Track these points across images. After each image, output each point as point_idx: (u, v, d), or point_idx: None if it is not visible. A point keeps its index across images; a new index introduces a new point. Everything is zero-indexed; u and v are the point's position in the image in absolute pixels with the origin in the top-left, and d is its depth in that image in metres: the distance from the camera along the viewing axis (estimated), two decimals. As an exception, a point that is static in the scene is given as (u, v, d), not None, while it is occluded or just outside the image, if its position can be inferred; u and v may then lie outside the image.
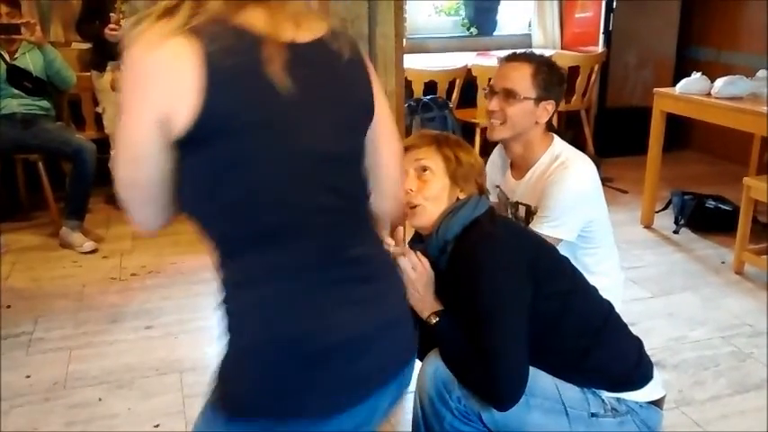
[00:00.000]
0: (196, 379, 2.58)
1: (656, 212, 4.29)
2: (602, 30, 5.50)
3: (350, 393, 1.13)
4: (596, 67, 5.34)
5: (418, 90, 4.86)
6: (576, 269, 1.79)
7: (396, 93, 4.14)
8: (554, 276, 1.70)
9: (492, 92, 2.14)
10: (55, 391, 2.57)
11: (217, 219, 1.09)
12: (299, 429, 1.11)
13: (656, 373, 1.77)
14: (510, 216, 2.22)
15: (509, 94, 2.09)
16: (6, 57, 4.01)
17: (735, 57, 5.28)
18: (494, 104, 2.12)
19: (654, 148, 4.15)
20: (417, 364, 1.74)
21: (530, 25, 6.00)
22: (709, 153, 5.62)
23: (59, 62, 4.13)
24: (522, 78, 2.09)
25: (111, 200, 4.23)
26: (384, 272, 1.23)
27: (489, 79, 2.28)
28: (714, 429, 2.37)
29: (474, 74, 4.96)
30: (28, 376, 2.66)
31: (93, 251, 3.81)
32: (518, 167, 2.22)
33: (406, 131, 4.35)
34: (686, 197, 4.22)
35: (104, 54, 4.13)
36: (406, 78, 4.48)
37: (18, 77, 4.02)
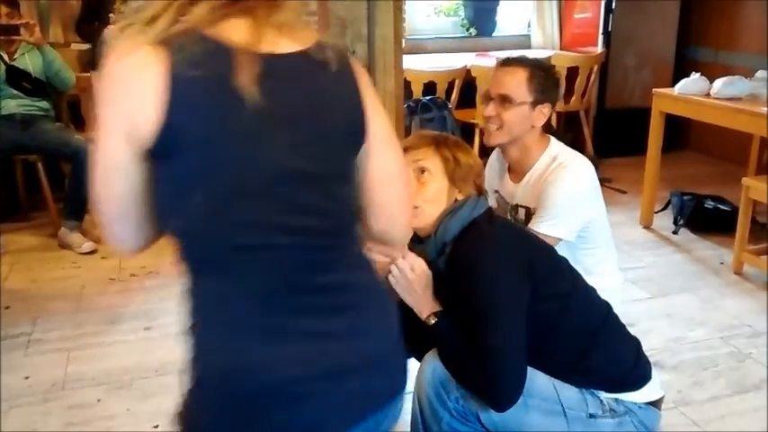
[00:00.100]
0: (195, 380, 2.58)
1: (656, 213, 4.29)
2: (601, 30, 5.50)
3: None
4: (595, 68, 5.34)
5: (417, 91, 4.86)
6: (575, 270, 1.79)
7: (395, 93, 4.15)
8: (552, 277, 1.70)
9: (488, 97, 2.14)
10: (54, 391, 2.57)
11: (180, 236, 1.06)
12: None
13: (654, 373, 1.77)
14: (510, 219, 2.22)
15: (505, 100, 2.09)
16: (5, 57, 4.00)
17: (733, 57, 5.29)
18: (490, 110, 2.13)
19: (653, 149, 4.15)
20: (416, 363, 1.76)
21: (529, 26, 6.01)
22: (708, 153, 5.62)
23: (59, 63, 4.13)
24: (517, 83, 2.09)
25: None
26: (364, 303, 1.14)
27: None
28: (713, 430, 2.37)
29: (473, 74, 4.96)
30: (27, 377, 2.66)
31: (93, 252, 3.81)
32: (516, 171, 2.22)
33: (406, 132, 4.35)
34: (685, 197, 4.22)
35: (104, 55, 4.13)
36: (405, 79, 4.50)
37: (17, 78, 4.02)
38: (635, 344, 1.79)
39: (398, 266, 1.69)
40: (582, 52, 5.55)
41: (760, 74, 3.83)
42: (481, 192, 1.78)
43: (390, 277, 1.71)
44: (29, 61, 4.05)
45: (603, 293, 1.80)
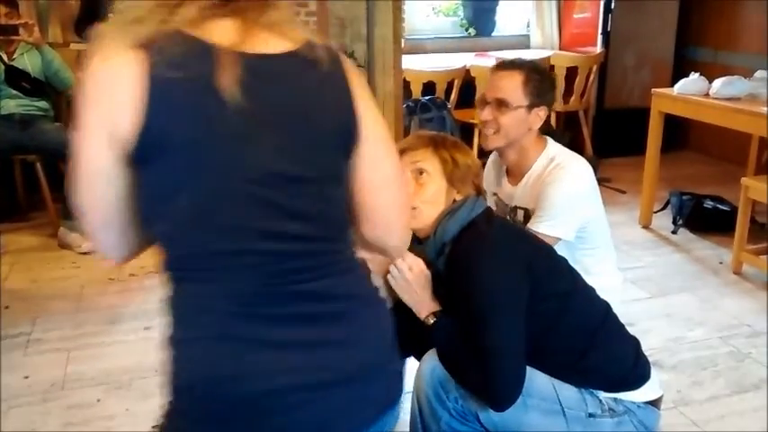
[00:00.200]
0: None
1: (655, 213, 4.29)
2: (600, 30, 5.50)
3: None
4: (594, 68, 5.34)
5: (417, 90, 4.86)
6: (574, 270, 1.79)
7: (394, 93, 4.15)
8: (551, 277, 1.70)
9: (484, 102, 2.15)
10: (53, 391, 2.57)
11: (163, 242, 1.03)
12: None
13: (653, 373, 1.77)
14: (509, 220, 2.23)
15: (501, 104, 2.10)
16: (4, 57, 4.00)
17: (733, 57, 5.29)
18: (486, 114, 2.13)
19: (652, 149, 4.15)
20: (415, 363, 1.76)
21: (528, 26, 6.01)
22: (707, 153, 5.62)
23: (58, 63, 4.13)
24: (513, 87, 2.10)
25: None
26: (355, 310, 1.10)
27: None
28: (712, 429, 2.37)
29: (472, 74, 4.97)
30: (26, 377, 2.66)
31: (92, 252, 3.80)
32: (514, 173, 2.22)
33: (405, 132, 4.35)
34: (684, 197, 4.22)
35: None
36: (404, 79, 4.51)
37: (16, 78, 4.02)
38: (634, 343, 1.79)
39: (397, 266, 1.69)
40: (581, 52, 5.55)
41: (759, 74, 3.83)
42: (480, 192, 1.78)
43: (389, 277, 1.71)
44: (28, 61, 4.05)
45: (603, 293, 1.80)
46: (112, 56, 0.96)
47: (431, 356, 1.69)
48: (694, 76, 3.87)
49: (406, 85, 4.64)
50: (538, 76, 2.12)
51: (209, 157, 0.97)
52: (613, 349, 1.74)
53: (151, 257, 1.10)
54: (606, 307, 1.78)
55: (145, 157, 0.96)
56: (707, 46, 5.61)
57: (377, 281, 1.69)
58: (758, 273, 3.54)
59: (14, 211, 4.37)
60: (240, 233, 1.00)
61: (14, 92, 4.02)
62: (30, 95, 4.07)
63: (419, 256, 1.72)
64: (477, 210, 1.71)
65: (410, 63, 4.81)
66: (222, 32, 0.98)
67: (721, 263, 3.73)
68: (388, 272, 1.71)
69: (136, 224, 1.05)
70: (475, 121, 4.89)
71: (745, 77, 3.77)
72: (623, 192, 4.78)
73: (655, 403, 1.75)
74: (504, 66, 2.18)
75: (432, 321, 1.68)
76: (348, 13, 3.97)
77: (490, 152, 2.36)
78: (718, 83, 3.72)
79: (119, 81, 0.94)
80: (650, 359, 1.80)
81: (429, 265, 1.73)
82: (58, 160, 4.18)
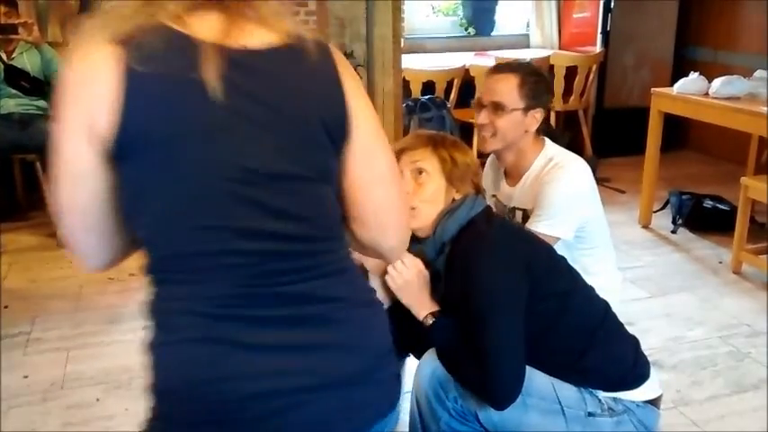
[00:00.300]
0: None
1: (654, 212, 4.29)
2: (599, 30, 5.50)
3: None
4: (594, 68, 5.34)
5: (416, 90, 4.86)
6: (573, 269, 1.79)
7: (394, 93, 4.15)
8: (551, 276, 1.70)
9: (480, 105, 2.15)
10: (52, 391, 2.57)
11: (144, 243, 1.00)
12: None
13: (652, 372, 1.77)
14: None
15: (497, 107, 2.09)
16: (4, 57, 4.00)
17: (732, 57, 5.29)
18: (482, 118, 2.13)
19: (651, 148, 4.15)
20: (415, 362, 1.76)
21: (528, 25, 6.01)
22: (707, 153, 5.62)
23: (57, 62, 4.12)
24: (508, 90, 2.09)
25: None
26: (339, 315, 1.05)
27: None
28: (712, 429, 2.37)
29: (472, 74, 4.97)
30: (26, 377, 2.66)
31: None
32: (512, 175, 2.22)
33: (404, 131, 4.35)
34: (684, 197, 4.22)
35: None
36: (404, 78, 4.51)
37: (15, 77, 4.02)
38: (634, 343, 1.79)
39: (395, 267, 1.69)
40: (581, 52, 5.55)
41: (758, 73, 3.84)
42: (479, 191, 1.78)
43: (387, 278, 1.71)
44: (27, 60, 4.05)
45: (602, 293, 1.80)
46: (91, 51, 0.93)
47: (430, 357, 1.69)
48: (694, 75, 3.87)
49: (406, 84, 4.64)
50: (533, 79, 2.12)
51: (188, 155, 0.94)
52: (612, 349, 1.74)
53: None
54: (606, 306, 1.78)
55: (123, 154, 0.93)
56: (706, 45, 5.61)
57: (374, 281, 1.69)
58: (758, 272, 3.54)
59: (14, 211, 4.37)
60: (221, 233, 0.97)
61: (14, 91, 4.02)
62: (29, 95, 4.07)
63: (417, 257, 1.72)
64: (476, 209, 1.71)
65: (410, 62, 4.81)
66: (206, 26, 0.96)
67: (721, 262, 3.73)
68: (385, 272, 1.71)
69: (118, 227, 1.02)
70: (474, 121, 4.89)
71: (745, 77, 3.78)
72: (623, 191, 4.78)
73: (654, 402, 1.75)
74: (499, 69, 2.18)
75: (430, 321, 1.68)
76: (347, 12, 3.97)
77: (489, 154, 2.36)
78: (717, 82, 3.72)
79: (97, 77, 0.92)
80: (650, 359, 1.80)
81: (427, 264, 1.73)
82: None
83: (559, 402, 1.65)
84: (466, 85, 5.00)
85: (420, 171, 1.71)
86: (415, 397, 1.72)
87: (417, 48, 5.60)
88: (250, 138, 0.96)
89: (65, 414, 2.44)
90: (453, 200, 1.72)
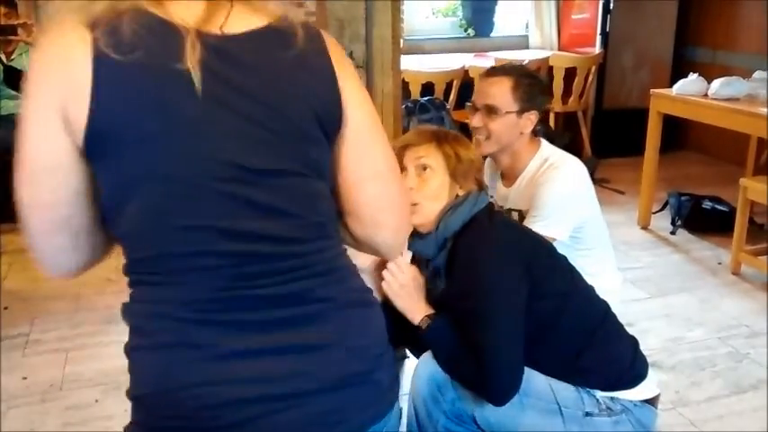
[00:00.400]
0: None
1: (653, 213, 4.29)
2: (599, 31, 5.50)
3: None
4: (593, 69, 5.34)
5: (415, 91, 4.86)
6: (575, 269, 1.79)
7: (393, 94, 4.15)
8: (551, 276, 1.70)
9: (474, 108, 2.15)
10: (51, 392, 2.57)
11: (123, 244, 0.94)
12: None
13: (651, 371, 1.77)
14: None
15: (491, 110, 2.10)
16: (3, 58, 4.01)
17: (731, 57, 5.29)
18: (476, 121, 2.13)
19: (651, 149, 4.15)
20: (413, 363, 1.76)
21: (527, 26, 6.01)
22: (706, 154, 5.62)
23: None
24: (502, 93, 2.10)
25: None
26: (327, 317, 0.99)
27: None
28: (711, 430, 2.37)
29: (471, 75, 4.96)
30: (25, 378, 2.65)
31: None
32: (508, 176, 2.23)
33: (403, 133, 4.35)
34: (683, 198, 4.22)
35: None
36: (403, 80, 4.50)
37: (15, 78, 4.02)
38: (633, 343, 1.79)
39: (390, 271, 1.70)
40: (580, 53, 5.55)
41: (758, 74, 3.84)
42: (482, 187, 1.78)
43: (384, 284, 1.71)
44: (26, 62, 4.03)
45: (602, 294, 1.80)
46: (65, 33, 0.86)
47: (427, 358, 1.69)
48: (693, 76, 3.88)
49: (405, 85, 4.64)
50: (528, 81, 2.12)
51: (166, 151, 0.88)
52: (611, 349, 1.74)
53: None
54: (606, 307, 1.78)
55: (96, 150, 0.87)
56: (706, 46, 5.61)
57: (363, 277, 1.70)
58: (757, 273, 3.54)
59: (13, 212, 4.36)
60: (204, 234, 0.91)
61: (13, 92, 4.03)
62: (28, 96, 4.07)
63: (412, 261, 1.72)
64: (479, 205, 1.71)
65: (409, 64, 4.81)
66: (187, 11, 0.89)
67: (720, 263, 3.73)
68: (374, 267, 1.72)
69: (93, 224, 0.95)
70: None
71: (744, 78, 3.78)
72: (622, 192, 4.78)
73: (652, 402, 1.75)
74: (492, 72, 2.19)
75: (426, 325, 1.68)
76: (347, 13, 3.96)
77: (486, 156, 2.36)
78: (716, 83, 3.72)
79: (71, 59, 0.85)
80: (649, 359, 1.80)
81: (428, 261, 1.73)
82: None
83: (557, 402, 1.65)
84: (465, 87, 5.00)
85: (424, 167, 1.71)
86: (412, 399, 1.71)
87: (416, 49, 5.60)
88: (235, 132, 0.90)
89: (64, 415, 2.44)
90: (457, 196, 1.72)
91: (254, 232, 0.93)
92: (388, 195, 1.06)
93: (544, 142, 2.19)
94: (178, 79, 0.86)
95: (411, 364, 1.82)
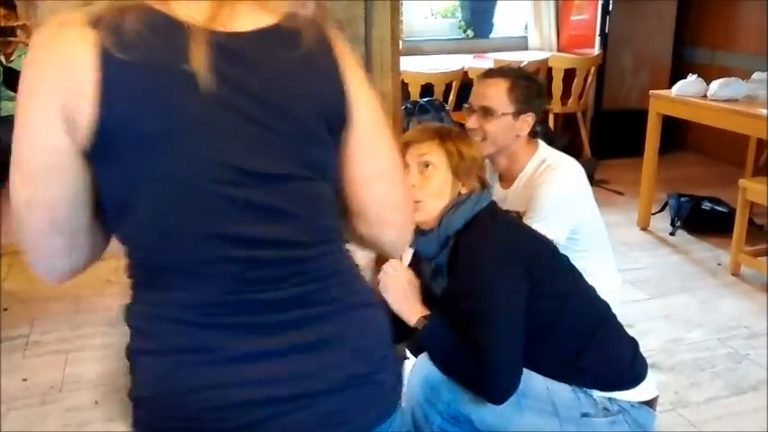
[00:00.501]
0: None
1: (653, 214, 4.29)
2: (598, 32, 5.51)
3: None
4: (592, 70, 5.34)
5: (415, 92, 4.86)
6: (576, 269, 1.79)
7: (392, 95, 4.14)
8: (552, 276, 1.70)
9: (471, 110, 2.15)
10: (51, 394, 2.57)
11: (125, 247, 0.93)
12: None
13: (649, 373, 1.77)
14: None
15: (487, 112, 2.10)
16: (3, 59, 4.01)
17: (731, 58, 5.30)
18: (472, 122, 2.13)
19: (650, 150, 4.15)
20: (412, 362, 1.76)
21: (526, 27, 6.01)
22: (705, 155, 5.63)
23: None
24: (498, 95, 2.10)
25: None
26: (330, 318, 0.98)
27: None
28: (710, 431, 2.38)
29: (470, 76, 4.95)
30: (24, 379, 2.66)
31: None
32: (505, 178, 2.23)
33: (403, 134, 4.34)
34: (682, 199, 4.22)
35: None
36: (402, 81, 4.50)
37: (14, 80, 4.02)
38: (632, 344, 1.79)
39: (386, 272, 1.71)
40: (579, 54, 5.55)
41: (757, 75, 3.84)
42: (485, 185, 1.78)
43: (380, 285, 1.71)
44: (26, 63, 4.05)
45: (601, 295, 1.80)
46: (66, 29, 0.84)
47: (423, 360, 1.69)
48: (692, 77, 3.88)
49: (404, 86, 4.63)
50: (524, 83, 2.12)
51: (168, 151, 0.86)
52: (611, 349, 1.74)
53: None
54: (606, 308, 1.78)
55: (101, 150, 0.85)
56: (705, 47, 5.62)
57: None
58: (756, 274, 3.55)
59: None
60: (209, 240, 0.90)
61: (13, 93, 4.02)
62: (28, 97, 4.07)
63: (412, 257, 1.72)
64: (481, 203, 1.71)
65: (408, 65, 4.80)
66: (192, 8, 0.87)
67: (719, 264, 3.73)
68: (373, 266, 1.72)
69: (92, 224, 0.93)
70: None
71: (743, 79, 3.78)
72: (621, 193, 4.78)
73: (650, 403, 1.75)
74: (489, 74, 2.19)
75: (422, 327, 1.68)
76: (346, 13, 3.97)
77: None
78: (715, 84, 3.72)
79: (75, 56, 0.82)
80: (648, 360, 1.80)
81: (428, 260, 1.73)
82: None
83: (554, 403, 1.65)
84: (464, 88, 4.99)
85: (426, 164, 1.70)
86: (408, 401, 1.71)
87: (416, 50, 5.60)
88: (236, 132, 0.88)
89: (64, 416, 2.44)
90: (459, 194, 1.72)
91: (256, 236, 0.91)
92: (394, 194, 1.05)
93: (542, 144, 2.19)
94: (183, 79, 0.84)
95: (411, 364, 1.82)
